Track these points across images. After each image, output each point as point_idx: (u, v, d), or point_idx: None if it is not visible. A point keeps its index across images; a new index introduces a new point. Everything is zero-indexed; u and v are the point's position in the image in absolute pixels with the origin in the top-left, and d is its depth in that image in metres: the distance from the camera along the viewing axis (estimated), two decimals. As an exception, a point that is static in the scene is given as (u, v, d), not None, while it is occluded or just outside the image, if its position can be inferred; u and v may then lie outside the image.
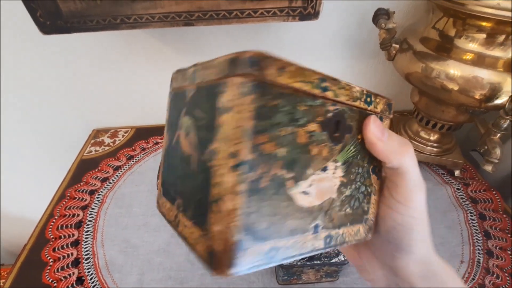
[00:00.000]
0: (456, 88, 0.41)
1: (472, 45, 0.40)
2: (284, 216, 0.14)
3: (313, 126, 0.15)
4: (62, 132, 0.72)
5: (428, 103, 0.50)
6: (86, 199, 0.54)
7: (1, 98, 0.63)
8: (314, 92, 0.15)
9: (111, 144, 0.66)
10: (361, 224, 0.18)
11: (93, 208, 0.52)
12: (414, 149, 0.55)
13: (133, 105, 0.69)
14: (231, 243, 0.12)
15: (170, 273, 0.43)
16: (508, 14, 0.35)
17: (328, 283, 0.42)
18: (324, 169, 0.16)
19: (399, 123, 0.62)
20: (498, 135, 0.40)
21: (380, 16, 0.47)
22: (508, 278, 0.42)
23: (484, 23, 0.38)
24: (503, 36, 0.38)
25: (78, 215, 0.51)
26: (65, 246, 0.47)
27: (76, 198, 0.54)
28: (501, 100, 0.39)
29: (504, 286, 0.41)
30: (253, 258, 0.13)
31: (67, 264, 0.44)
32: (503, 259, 0.44)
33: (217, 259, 0.12)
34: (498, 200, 0.52)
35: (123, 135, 0.68)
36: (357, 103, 0.17)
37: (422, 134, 0.56)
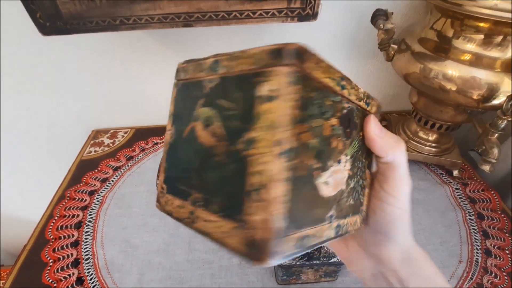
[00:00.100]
0: (454, 88, 0.41)
1: (470, 45, 0.40)
2: (312, 205, 0.15)
3: (334, 121, 0.16)
4: (62, 132, 0.72)
5: (427, 103, 0.50)
6: (85, 200, 0.54)
7: (1, 98, 0.63)
8: (336, 89, 0.16)
9: (111, 144, 0.66)
10: (358, 215, 0.19)
11: (92, 209, 0.53)
12: (413, 149, 0.56)
13: (132, 106, 0.69)
14: (274, 231, 0.12)
15: (169, 273, 0.44)
16: (506, 14, 0.35)
17: (327, 283, 0.42)
18: (339, 162, 0.17)
19: (397, 123, 0.62)
20: (496, 135, 0.40)
21: (379, 17, 0.47)
22: (506, 278, 0.42)
23: (481, 24, 0.38)
24: (501, 37, 0.38)
25: (78, 215, 0.51)
26: (65, 247, 0.47)
27: (75, 198, 0.54)
28: (498, 100, 0.40)
29: (502, 286, 0.41)
30: (289, 247, 0.13)
31: (67, 265, 0.44)
32: (501, 259, 0.44)
33: (259, 249, 0.12)
34: (497, 199, 0.53)
35: (122, 136, 0.68)
36: (361, 103, 0.18)
37: (421, 134, 0.56)
